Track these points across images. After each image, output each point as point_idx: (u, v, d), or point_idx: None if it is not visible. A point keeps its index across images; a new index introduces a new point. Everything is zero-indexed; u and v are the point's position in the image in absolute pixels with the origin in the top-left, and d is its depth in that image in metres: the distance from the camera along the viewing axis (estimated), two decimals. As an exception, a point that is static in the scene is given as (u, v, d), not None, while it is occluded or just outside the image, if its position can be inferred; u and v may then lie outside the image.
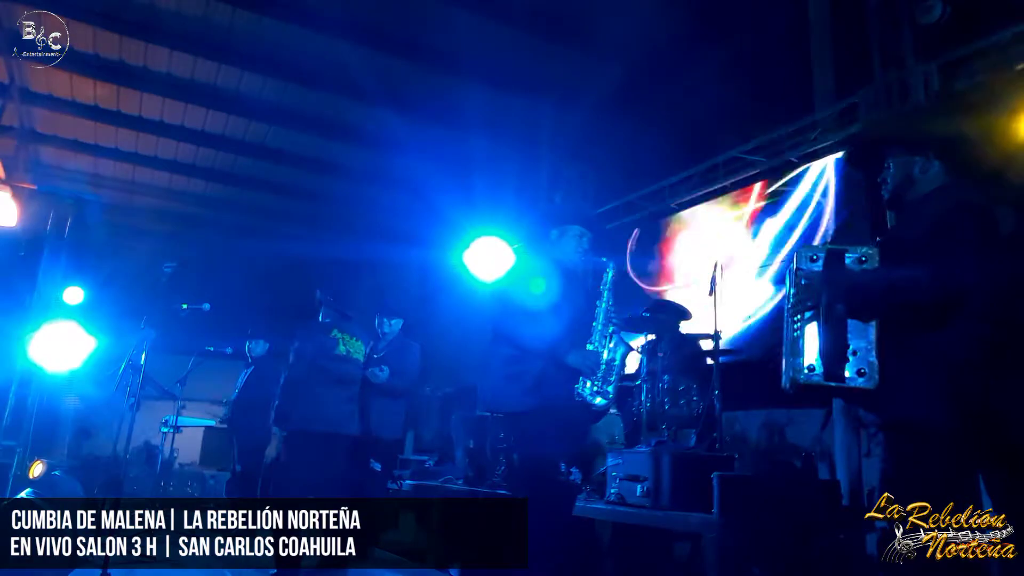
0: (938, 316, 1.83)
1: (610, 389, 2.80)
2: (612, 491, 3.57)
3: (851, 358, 1.88)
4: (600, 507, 3.61)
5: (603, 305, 2.92)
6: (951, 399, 1.81)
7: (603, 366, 2.81)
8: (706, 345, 4.78)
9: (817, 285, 1.93)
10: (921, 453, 1.83)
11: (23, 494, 3.54)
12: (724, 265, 4.53)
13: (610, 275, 2.98)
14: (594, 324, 2.87)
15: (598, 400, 2.78)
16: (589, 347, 2.82)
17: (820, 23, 5.40)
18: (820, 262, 1.97)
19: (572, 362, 2.77)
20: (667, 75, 6.61)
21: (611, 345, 2.86)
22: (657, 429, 4.26)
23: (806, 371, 1.91)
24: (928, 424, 1.82)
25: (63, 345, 5.53)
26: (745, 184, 5.95)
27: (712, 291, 4.39)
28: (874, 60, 4.77)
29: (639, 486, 3.35)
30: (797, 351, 1.94)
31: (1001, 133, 3.71)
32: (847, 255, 1.96)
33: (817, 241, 4.91)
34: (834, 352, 1.87)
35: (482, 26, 6.45)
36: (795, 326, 1.97)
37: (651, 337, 4.66)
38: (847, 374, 1.88)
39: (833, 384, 1.91)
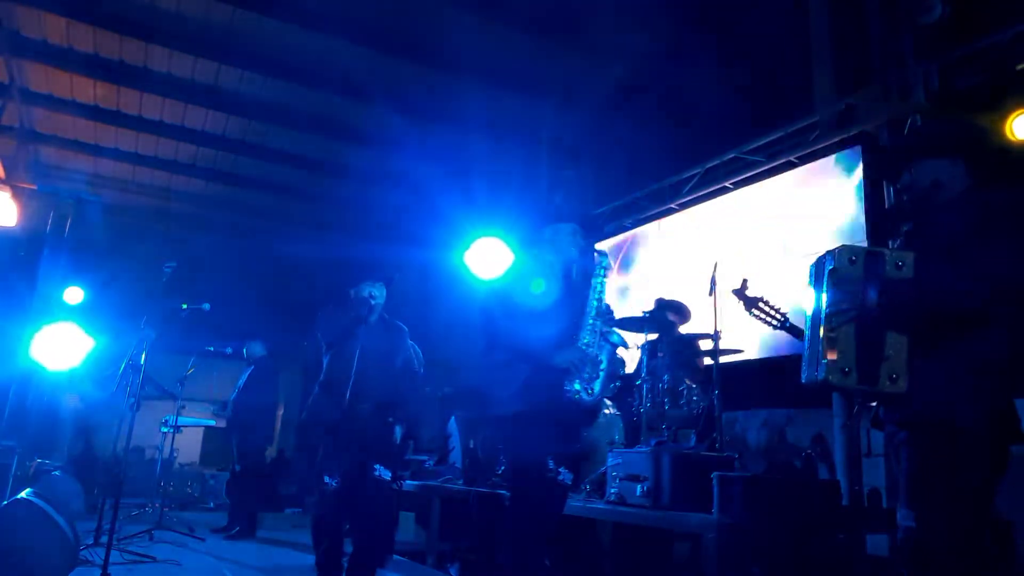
0: (975, 319, 1.85)
1: (596, 386, 2.79)
2: (612, 491, 3.57)
3: (884, 362, 1.91)
4: (600, 507, 3.61)
5: (594, 303, 2.89)
6: (984, 398, 1.83)
7: (590, 363, 2.80)
8: (706, 345, 4.78)
9: (857, 292, 1.95)
10: (949, 450, 1.84)
11: (23, 494, 3.54)
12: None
13: (603, 272, 2.95)
14: (587, 322, 2.85)
15: (584, 396, 2.77)
16: (581, 344, 2.81)
17: (820, 23, 5.40)
18: (859, 265, 1.97)
19: (559, 362, 2.76)
20: (667, 75, 6.61)
21: (599, 342, 2.84)
22: (657, 429, 4.25)
23: (841, 372, 1.94)
24: (959, 423, 1.83)
25: (63, 345, 5.53)
26: (745, 184, 5.96)
27: (712, 291, 4.39)
28: (874, 60, 4.78)
29: (639, 486, 3.34)
30: (833, 351, 1.96)
31: (1000, 132, 3.73)
32: (885, 257, 1.96)
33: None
34: (871, 358, 1.92)
35: (483, 26, 6.45)
36: (831, 327, 1.98)
37: (651, 337, 4.66)
38: (880, 378, 1.91)
39: (866, 388, 1.95)
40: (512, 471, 3.06)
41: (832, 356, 1.95)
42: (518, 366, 2.80)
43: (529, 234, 3.20)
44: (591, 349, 2.80)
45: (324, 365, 3.78)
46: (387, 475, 3.66)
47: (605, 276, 2.94)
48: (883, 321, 1.92)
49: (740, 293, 2.29)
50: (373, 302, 3.75)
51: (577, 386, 2.75)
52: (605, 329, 2.87)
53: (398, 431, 3.75)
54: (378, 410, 3.68)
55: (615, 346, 2.89)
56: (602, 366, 2.81)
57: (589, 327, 2.83)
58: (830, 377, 1.95)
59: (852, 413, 2.34)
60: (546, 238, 3.05)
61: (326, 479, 3.56)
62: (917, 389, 1.89)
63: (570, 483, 2.89)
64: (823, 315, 2.01)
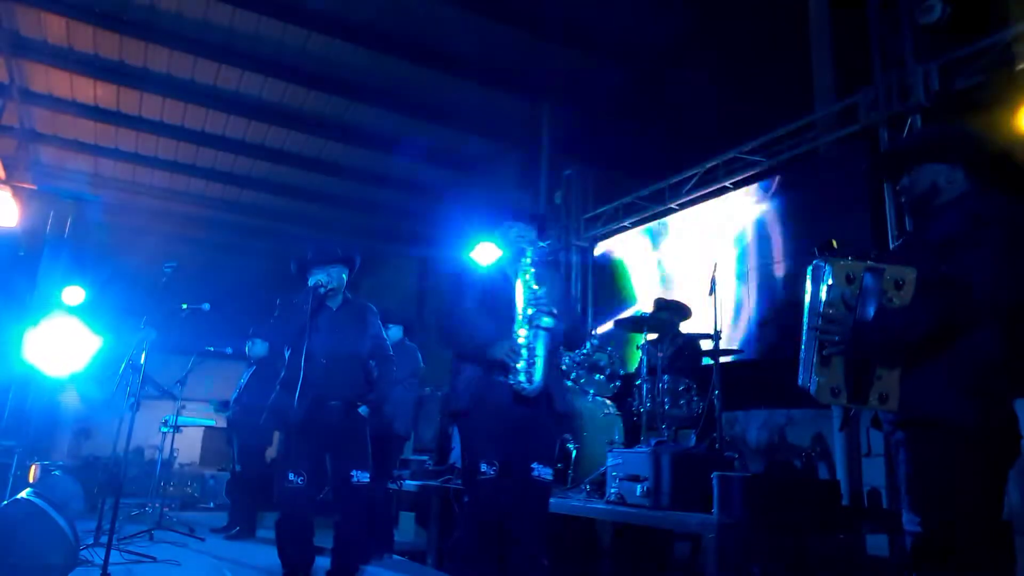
0: (966, 325, 1.87)
1: (535, 372, 2.76)
2: (612, 491, 3.57)
3: (875, 382, 1.92)
4: (600, 507, 3.61)
5: (526, 290, 2.85)
6: (978, 398, 1.84)
7: (524, 351, 2.77)
8: (706, 345, 4.78)
9: (849, 322, 1.93)
10: (946, 450, 1.85)
11: (23, 494, 3.53)
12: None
13: (529, 258, 2.91)
14: (522, 312, 2.83)
15: (524, 385, 2.75)
16: (515, 335, 2.81)
17: (820, 23, 5.40)
18: (856, 285, 1.94)
19: (492, 354, 2.78)
20: (667, 75, 6.62)
21: (531, 329, 2.81)
22: (657, 429, 4.25)
23: (831, 392, 1.97)
24: (954, 421, 1.85)
25: (66, 345, 5.54)
26: (745, 184, 5.96)
27: (712, 291, 4.39)
28: (874, 60, 4.77)
29: (639, 486, 3.35)
30: (824, 371, 1.98)
31: (1001, 132, 3.73)
32: (884, 276, 1.93)
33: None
34: (861, 381, 1.94)
35: (482, 26, 6.45)
36: (823, 351, 1.98)
37: (651, 337, 4.66)
38: (870, 398, 1.93)
39: (856, 406, 1.99)
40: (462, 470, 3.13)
41: (823, 376, 1.98)
42: (462, 364, 2.89)
43: (486, 234, 3.27)
44: (526, 339, 2.79)
45: (285, 360, 3.53)
46: (365, 478, 3.41)
47: (532, 263, 2.90)
48: (874, 358, 1.93)
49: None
50: (322, 290, 3.49)
51: (521, 377, 2.75)
52: (536, 316, 2.81)
53: (363, 411, 3.50)
54: (348, 408, 3.46)
55: (549, 330, 2.81)
56: (538, 352, 2.78)
57: (524, 317, 2.82)
58: (820, 396, 1.98)
59: (849, 414, 2.35)
60: (497, 236, 3.12)
61: (291, 476, 3.30)
62: (913, 389, 1.90)
63: (549, 478, 2.86)
64: (818, 324, 1.98)
